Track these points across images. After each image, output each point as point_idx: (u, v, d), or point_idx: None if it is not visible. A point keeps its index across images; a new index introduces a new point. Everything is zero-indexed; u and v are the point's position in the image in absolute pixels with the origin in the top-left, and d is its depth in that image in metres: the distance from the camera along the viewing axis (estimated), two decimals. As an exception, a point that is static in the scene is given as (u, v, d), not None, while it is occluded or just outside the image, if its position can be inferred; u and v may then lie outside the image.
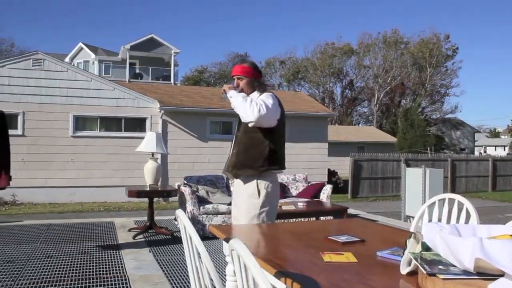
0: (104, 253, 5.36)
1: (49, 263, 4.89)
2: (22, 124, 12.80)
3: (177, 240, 6.04)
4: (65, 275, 4.41)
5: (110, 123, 13.89)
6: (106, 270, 4.61)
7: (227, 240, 2.35)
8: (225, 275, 2.51)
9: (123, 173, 13.08)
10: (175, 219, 6.97)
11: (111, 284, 4.14)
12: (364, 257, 1.94)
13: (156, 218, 6.62)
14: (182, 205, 6.65)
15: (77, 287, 4.06)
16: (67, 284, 4.12)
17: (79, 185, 13.09)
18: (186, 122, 14.48)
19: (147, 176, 6.59)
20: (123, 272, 4.52)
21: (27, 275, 4.41)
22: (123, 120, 13.85)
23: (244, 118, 3.09)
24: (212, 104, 15.48)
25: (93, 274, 4.46)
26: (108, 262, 4.91)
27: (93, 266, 4.77)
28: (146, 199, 6.74)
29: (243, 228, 2.94)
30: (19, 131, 12.56)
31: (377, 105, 45.07)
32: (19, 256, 5.15)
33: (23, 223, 7.59)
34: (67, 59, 30.33)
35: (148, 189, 6.52)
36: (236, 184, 3.35)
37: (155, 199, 6.71)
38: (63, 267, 4.70)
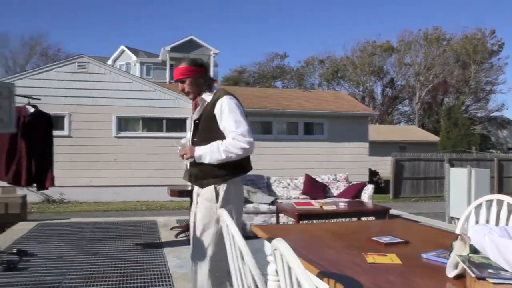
0: (147, 251, 5.47)
1: (95, 259, 5.03)
2: (68, 125, 13.23)
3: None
4: (110, 272, 4.53)
5: (152, 124, 14.16)
6: (149, 268, 4.70)
7: (270, 239, 2.35)
8: (266, 275, 2.51)
9: (164, 173, 13.30)
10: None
11: (154, 282, 4.22)
12: (408, 258, 1.91)
13: (197, 217, 6.70)
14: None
15: (121, 283, 4.16)
16: (112, 280, 4.23)
17: (122, 184, 13.40)
18: (226, 122, 14.58)
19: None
20: (165, 270, 4.60)
21: (75, 271, 4.56)
22: (164, 121, 14.09)
23: (240, 157, 2.87)
24: (251, 104, 15.54)
25: (136, 271, 4.56)
26: (151, 260, 5.01)
27: (136, 263, 4.88)
28: (187, 199, 6.83)
29: (284, 227, 2.94)
30: (65, 132, 12.98)
31: (419, 103, 44.10)
32: (68, 252, 5.33)
33: (70, 220, 7.84)
34: (109, 62, 31.10)
35: (189, 188, 6.60)
36: (196, 188, 3.14)
37: (196, 199, 6.79)
38: (108, 264, 4.83)
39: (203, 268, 2.91)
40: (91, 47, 74.17)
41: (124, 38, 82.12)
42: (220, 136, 2.91)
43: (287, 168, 13.74)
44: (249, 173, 8.01)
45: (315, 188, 7.56)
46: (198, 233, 2.95)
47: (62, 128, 12.88)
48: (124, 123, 13.87)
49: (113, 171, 13.38)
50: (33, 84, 12.71)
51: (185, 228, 6.53)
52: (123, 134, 13.71)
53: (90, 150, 13.26)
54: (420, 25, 64.79)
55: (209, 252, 2.92)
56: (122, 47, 33.71)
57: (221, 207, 2.86)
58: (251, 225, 4.97)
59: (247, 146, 2.85)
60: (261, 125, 15.43)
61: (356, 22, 72.70)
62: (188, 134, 3.23)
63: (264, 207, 6.60)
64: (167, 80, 27.98)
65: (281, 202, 6.80)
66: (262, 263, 1.88)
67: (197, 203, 3.05)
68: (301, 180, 7.73)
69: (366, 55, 45.30)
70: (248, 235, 5.95)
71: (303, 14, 76.81)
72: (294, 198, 7.35)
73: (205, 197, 2.97)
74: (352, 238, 2.48)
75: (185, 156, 2.94)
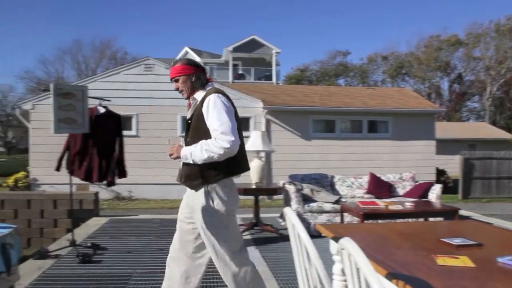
0: (213, 248, 5.58)
1: (162, 255, 5.18)
2: (136, 125, 13.74)
3: (282, 238, 6.11)
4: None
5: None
6: (213, 264, 4.78)
7: (336, 239, 2.34)
8: (331, 275, 2.50)
9: (229, 171, 13.48)
10: (280, 217, 7.06)
11: (219, 278, 4.29)
12: (482, 262, 1.84)
13: (261, 215, 6.75)
14: (287, 203, 6.72)
15: (189, 279, 4.27)
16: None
17: (188, 182, 13.71)
18: (289, 121, 14.58)
19: (252, 175, 6.73)
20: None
21: (144, 265, 4.73)
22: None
23: (223, 158, 2.77)
24: (314, 103, 15.46)
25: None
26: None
27: (202, 260, 4.98)
28: (251, 197, 6.90)
29: (350, 227, 2.91)
30: (133, 132, 13.49)
31: (490, 99, 42.02)
32: (137, 247, 5.54)
33: (139, 217, 8.13)
34: (174, 63, 31.84)
35: (254, 187, 6.68)
36: (187, 193, 3.08)
37: (260, 197, 6.85)
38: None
39: (231, 266, 2.99)
40: (156, 50, 76.54)
41: (188, 39, 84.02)
42: (210, 135, 2.83)
43: (351, 166, 13.56)
44: (312, 172, 7.97)
45: (380, 187, 7.41)
46: (212, 240, 2.91)
47: (130, 128, 13.39)
48: (189, 123, 14.19)
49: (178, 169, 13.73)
50: (103, 87, 13.28)
51: (249, 226, 6.60)
52: (188, 133, 14.03)
53: (156, 149, 13.67)
54: (485, 18, 61.72)
55: (230, 249, 2.97)
56: (186, 49, 34.48)
57: (217, 208, 2.88)
58: (315, 224, 4.95)
59: (228, 145, 2.70)
60: (324, 124, 15.30)
61: (420, 17, 70.48)
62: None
63: (328, 206, 6.55)
64: (230, 80, 28.35)
65: (345, 201, 6.73)
66: (326, 262, 1.87)
67: (192, 205, 2.95)
68: (365, 179, 7.60)
69: (431, 50, 43.74)
70: (312, 234, 5.94)
71: (365, 10, 75.39)
72: (359, 197, 7.24)
73: (200, 205, 2.88)
74: (420, 239, 2.41)
75: (171, 156, 2.93)
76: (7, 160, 30.07)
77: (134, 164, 12.70)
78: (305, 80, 45.02)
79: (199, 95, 2.99)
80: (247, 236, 6.31)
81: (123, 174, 5.74)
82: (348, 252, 1.39)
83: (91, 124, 5.43)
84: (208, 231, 2.88)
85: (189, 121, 3.00)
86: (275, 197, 11.91)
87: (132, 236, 6.28)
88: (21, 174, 14.25)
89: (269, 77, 30.56)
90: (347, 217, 6.26)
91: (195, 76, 3.00)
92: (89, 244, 5.49)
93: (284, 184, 6.93)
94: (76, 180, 5.62)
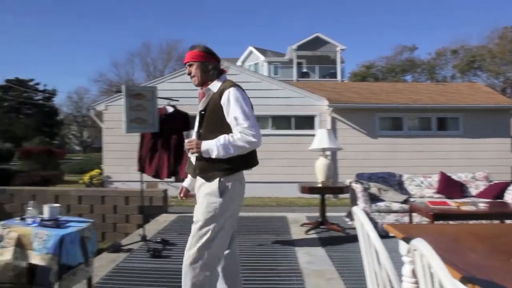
0: (278, 246, 5.60)
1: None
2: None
3: (349, 237, 6.04)
4: (244, 265, 4.71)
5: (281, 121, 14.44)
6: (281, 263, 4.81)
7: (406, 239, 2.28)
8: (400, 276, 2.43)
9: (293, 170, 13.49)
10: (347, 216, 6.97)
11: (285, 277, 4.31)
12: None
13: (327, 214, 6.70)
14: (353, 202, 6.62)
15: (255, 276, 4.31)
16: (245, 272, 4.39)
17: (254, 180, 13.79)
18: (355, 118, 14.36)
19: (318, 173, 6.69)
20: (296, 266, 4.67)
21: (212, 263, 4.83)
22: (292, 118, 14.29)
23: (247, 151, 2.83)
24: (381, 100, 15.12)
25: (268, 266, 4.69)
26: (282, 255, 5.12)
27: (268, 257, 5.02)
28: (316, 195, 6.86)
29: (420, 227, 2.82)
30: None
31: None
32: (204, 245, 5.66)
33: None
34: (239, 63, 32.30)
35: (320, 185, 6.64)
36: (198, 180, 3.02)
37: (325, 196, 6.80)
38: (241, 257, 5.02)
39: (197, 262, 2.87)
40: (220, 50, 77.70)
41: (252, 39, 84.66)
42: (227, 128, 2.84)
43: (420, 165, 13.14)
44: (380, 171, 7.81)
45: (451, 187, 7.13)
46: (197, 226, 2.86)
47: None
48: (254, 122, 14.32)
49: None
50: (171, 87, 13.65)
51: (315, 225, 6.57)
52: (252, 132, 14.16)
53: (222, 147, 13.90)
54: None
55: (207, 247, 2.84)
56: (250, 48, 34.79)
57: (225, 202, 2.84)
58: (383, 224, 4.85)
59: (255, 140, 2.76)
60: (391, 121, 14.92)
61: (492, 6, 67.00)
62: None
63: (396, 206, 6.39)
64: (295, 78, 28.31)
65: (414, 201, 6.53)
66: (395, 263, 1.83)
67: (199, 194, 2.96)
68: (435, 178, 7.34)
69: (505, 42, 41.42)
70: (380, 234, 5.82)
71: (431, 3, 72.70)
72: (428, 197, 7.00)
73: (207, 191, 2.86)
74: (498, 242, 2.30)
75: (191, 150, 2.86)
76: (83, 158, 31.67)
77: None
78: (371, 77, 44.06)
79: (214, 86, 2.95)
80: (312, 234, 6.28)
81: (184, 175, 5.88)
82: (421, 253, 1.36)
83: (160, 123, 5.62)
84: (209, 223, 2.82)
85: (203, 112, 2.95)
86: (341, 196, 11.78)
87: (200, 232, 6.42)
88: (95, 171, 14.98)
89: (333, 75, 30.24)
90: (416, 218, 6.08)
91: (210, 65, 2.98)
92: (159, 240, 5.68)
93: (350, 182, 6.84)
94: (146, 177, 5.83)
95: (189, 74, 3.00)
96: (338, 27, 74.07)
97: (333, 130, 13.68)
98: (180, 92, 13.23)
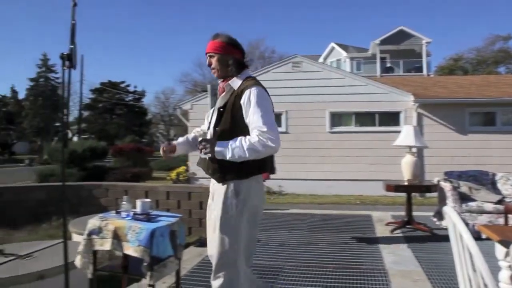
0: (362, 245, 5.51)
1: (312, 249, 5.27)
2: (285, 122, 14.10)
3: (437, 237, 5.81)
4: (327, 262, 4.69)
5: (364, 118, 14.16)
6: (365, 262, 4.73)
7: (504, 242, 2.16)
8: (497, 281, 2.30)
9: (377, 167, 13.18)
10: (435, 216, 6.71)
11: (370, 276, 4.23)
12: None
13: (413, 213, 6.48)
14: (442, 201, 6.35)
15: (338, 274, 4.27)
16: (328, 271, 4.37)
17: (336, 178, 13.70)
18: (443, 114, 13.73)
19: (404, 171, 6.49)
20: (381, 266, 4.57)
21: (295, 258, 4.85)
22: (376, 115, 13.96)
23: (265, 155, 2.63)
24: (471, 94, 14.34)
25: (352, 264, 4.63)
26: (367, 254, 5.03)
27: (352, 256, 4.95)
28: (402, 194, 6.66)
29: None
30: (283, 129, 13.87)
31: None
32: (288, 241, 5.70)
33: (289, 211, 8.35)
34: (320, 60, 32.08)
35: (406, 183, 6.43)
36: (213, 180, 2.86)
37: (412, 194, 6.58)
38: (325, 255, 5.01)
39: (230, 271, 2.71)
40: (302, 47, 77.51)
41: (334, 35, 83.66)
42: (245, 128, 2.65)
43: (515, 163, 12.31)
44: (469, 169, 7.43)
45: (552, 187, 6.62)
46: (214, 229, 2.74)
47: (279, 125, 13.79)
48: (337, 119, 14.16)
49: (328, 165, 13.77)
50: (254, 85, 13.84)
51: (400, 224, 6.39)
52: (336, 129, 14.01)
53: (305, 145, 13.89)
54: None
55: (221, 244, 2.70)
56: (332, 44, 34.43)
57: (243, 204, 2.68)
58: (475, 225, 4.61)
59: (273, 145, 2.54)
60: (483, 116, 14.08)
61: None
62: (205, 122, 2.93)
63: (489, 206, 6.04)
64: (378, 73, 27.66)
65: (510, 202, 6.14)
66: (490, 268, 1.73)
67: (214, 197, 2.82)
68: (533, 177, 6.85)
69: None
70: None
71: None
72: (526, 197, 6.56)
73: (223, 194, 2.71)
74: None
75: (203, 150, 2.63)
76: (169, 155, 32.80)
77: (283, 160, 13.04)
78: (459, 70, 41.87)
79: (235, 82, 2.76)
80: (398, 234, 6.11)
81: (272, 171, 5.93)
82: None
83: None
84: (224, 223, 2.69)
85: (221, 109, 2.76)
86: (428, 195, 11.34)
87: (284, 229, 6.47)
88: (181, 168, 15.54)
89: (419, 69, 29.17)
90: (512, 219, 5.71)
91: (233, 59, 2.76)
92: (243, 236, 5.79)
93: (438, 181, 6.56)
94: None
95: (209, 65, 2.82)
96: (423, 19, 71.19)
97: (420, 127, 13.21)
98: (262, 90, 13.44)
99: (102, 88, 47.47)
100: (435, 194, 6.93)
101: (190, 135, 3.16)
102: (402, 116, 13.77)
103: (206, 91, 5.55)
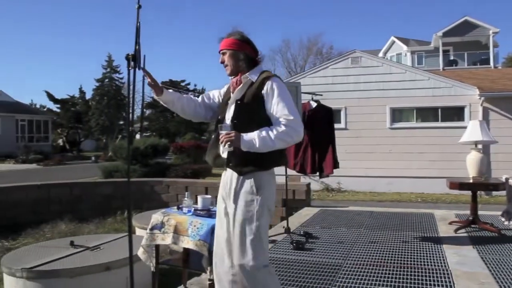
0: (424, 244, 5.35)
1: (372, 247, 5.18)
2: (344, 118, 13.95)
3: (505, 238, 5.55)
4: (387, 261, 4.60)
5: (426, 113, 13.77)
6: (427, 262, 4.60)
7: None
8: None
9: (440, 164, 12.77)
10: (503, 216, 6.42)
11: (432, 277, 4.11)
12: None
13: (479, 212, 6.22)
14: (511, 200, 6.07)
15: (398, 273, 4.18)
16: (388, 270, 4.29)
17: (397, 175, 13.40)
18: (511, 108, 13.10)
19: (470, 168, 6.25)
20: (444, 266, 4.43)
21: (354, 256, 4.79)
22: (439, 110, 13.52)
23: (291, 144, 2.69)
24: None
25: (413, 264, 4.51)
26: (429, 254, 4.89)
27: (413, 255, 4.82)
28: (466, 192, 6.42)
29: None
30: (342, 125, 13.73)
31: None
32: (347, 238, 5.64)
33: (348, 209, 8.25)
34: (380, 54, 31.39)
35: (471, 181, 6.19)
36: (229, 174, 2.79)
37: (477, 193, 6.32)
38: (385, 253, 4.91)
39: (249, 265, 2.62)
40: (361, 42, 76.19)
41: (394, 29, 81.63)
42: (264, 119, 2.65)
43: None
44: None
45: None
46: (238, 229, 2.65)
47: (339, 122, 13.66)
48: (398, 114, 13.86)
49: (388, 162, 13.50)
50: (312, 82, 13.81)
51: (465, 223, 6.16)
52: (397, 125, 13.71)
53: (365, 141, 13.69)
54: None
55: (252, 247, 2.61)
56: (392, 38, 33.59)
57: (263, 199, 2.65)
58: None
59: (300, 134, 2.61)
60: None
61: None
62: (227, 115, 2.84)
63: None
64: (441, 67, 26.76)
65: None
66: None
67: (231, 192, 2.73)
68: None
69: None
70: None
71: None
72: None
73: (244, 189, 2.67)
74: None
75: (228, 143, 2.57)
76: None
77: (343, 156, 12.84)
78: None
79: (252, 74, 2.77)
80: (462, 233, 5.89)
81: (335, 165, 5.90)
82: None
83: (304, 118, 5.72)
84: (249, 223, 2.64)
85: (239, 102, 2.75)
86: (494, 193, 10.87)
87: (343, 227, 6.41)
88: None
89: (485, 61, 27.90)
90: None
91: (244, 55, 2.79)
92: (301, 233, 5.79)
93: (507, 179, 6.26)
94: (289, 171, 5.96)
95: (222, 62, 2.85)
96: (489, 8, 67.97)
97: (486, 122, 12.67)
98: (322, 86, 13.36)
99: (163, 87, 48.61)
100: (502, 193, 6.63)
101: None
102: (466, 110, 13.29)
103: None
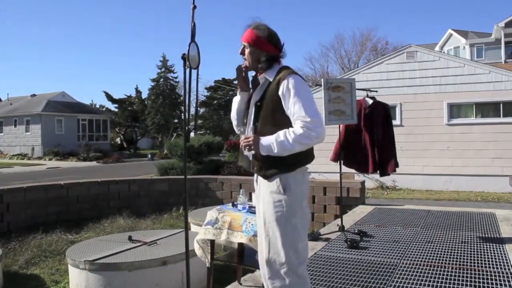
0: (485, 245, 5.16)
1: (429, 247, 5.05)
2: (399, 114, 13.65)
3: None
4: (445, 262, 4.47)
5: (487, 109, 13.23)
6: (488, 264, 4.43)
7: None
8: None
9: (503, 162, 12.24)
10: None
11: (495, 279, 3.95)
12: None
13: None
14: None
15: (457, 275, 4.05)
16: (446, 271, 4.17)
17: (455, 173, 12.97)
18: None
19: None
20: (507, 269, 4.25)
21: (410, 256, 4.68)
22: (501, 105, 12.95)
23: (311, 146, 2.53)
24: None
25: (473, 265, 4.36)
26: (490, 256, 4.70)
27: (473, 257, 4.66)
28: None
29: None
30: (397, 122, 13.43)
31: None
32: (403, 238, 5.52)
33: (404, 207, 8.07)
34: (437, 48, 30.44)
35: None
36: (256, 175, 2.73)
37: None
38: (443, 253, 4.77)
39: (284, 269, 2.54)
40: (417, 36, 74.12)
41: (451, 21, 78.92)
42: (285, 121, 2.52)
43: None
44: None
45: None
46: (270, 231, 2.56)
47: (394, 118, 13.35)
48: (456, 110, 13.40)
49: (445, 159, 13.10)
50: (366, 78, 13.58)
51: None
52: (455, 121, 13.26)
53: (421, 138, 13.33)
54: None
55: (284, 248, 2.52)
56: (450, 31, 32.45)
57: (291, 198, 2.54)
58: None
59: (319, 135, 2.41)
60: None
61: None
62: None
63: None
64: (503, 59, 25.62)
65: None
66: None
67: (260, 193, 2.69)
68: None
69: None
70: None
71: None
72: None
73: (270, 190, 2.58)
74: None
75: (247, 148, 2.50)
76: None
77: (398, 153, 12.59)
78: None
79: (269, 74, 2.65)
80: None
81: (396, 164, 5.81)
82: None
83: (360, 115, 5.65)
84: (274, 224, 2.55)
85: (258, 104, 2.65)
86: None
87: (398, 225, 6.28)
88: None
89: (553, 53, 26.45)
90: None
91: (263, 57, 2.64)
92: (356, 231, 5.72)
93: None
94: (343, 168, 5.90)
95: (242, 54, 2.72)
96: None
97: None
98: (377, 82, 13.13)
99: (216, 85, 49.42)
100: None
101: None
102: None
103: (319, 85, 5.55)
